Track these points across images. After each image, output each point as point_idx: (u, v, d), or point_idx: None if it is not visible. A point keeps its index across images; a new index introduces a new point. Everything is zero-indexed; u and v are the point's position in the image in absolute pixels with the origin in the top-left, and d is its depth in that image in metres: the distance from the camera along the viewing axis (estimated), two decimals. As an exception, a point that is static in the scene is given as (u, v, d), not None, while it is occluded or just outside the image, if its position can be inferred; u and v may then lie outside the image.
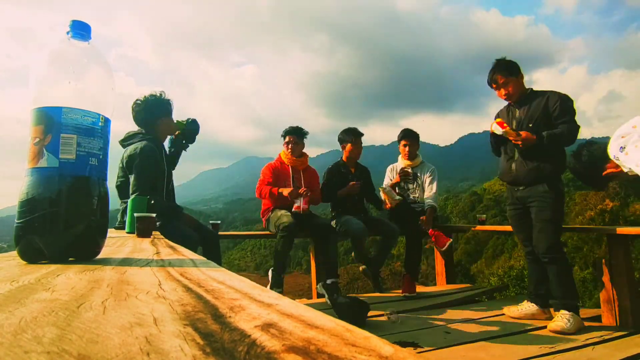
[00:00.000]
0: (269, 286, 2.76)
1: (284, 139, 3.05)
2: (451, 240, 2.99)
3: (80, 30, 0.64)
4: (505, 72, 2.26)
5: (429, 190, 3.21)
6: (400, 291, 2.94)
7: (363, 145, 3.25)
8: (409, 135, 3.32)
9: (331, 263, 2.67)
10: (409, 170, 3.26)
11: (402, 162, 3.36)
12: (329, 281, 2.58)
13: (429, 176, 3.25)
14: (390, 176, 3.39)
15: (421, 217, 3.01)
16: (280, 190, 2.77)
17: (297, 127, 3.07)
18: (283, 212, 2.74)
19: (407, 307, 2.52)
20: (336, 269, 2.67)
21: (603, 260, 2.25)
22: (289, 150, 2.99)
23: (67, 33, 0.64)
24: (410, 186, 3.29)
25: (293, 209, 2.71)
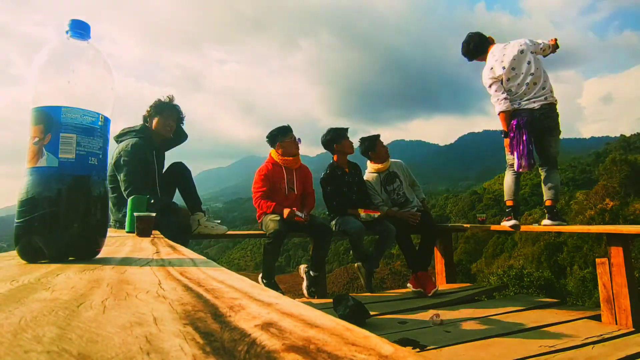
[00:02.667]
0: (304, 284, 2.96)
1: (286, 137, 2.91)
2: (434, 289, 2.81)
3: (80, 29, 0.64)
4: None
5: (410, 180, 3.29)
6: (426, 290, 2.81)
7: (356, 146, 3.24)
8: (378, 138, 3.27)
9: (320, 258, 2.94)
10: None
11: (375, 168, 3.24)
12: (312, 272, 2.93)
13: (405, 170, 3.28)
14: (375, 189, 3.25)
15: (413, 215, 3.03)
16: (281, 210, 2.73)
17: (288, 125, 3.00)
18: (271, 217, 2.71)
19: (406, 306, 2.52)
20: (323, 265, 2.97)
21: (603, 260, 2.25)
22: (296, 148, 2.91)
23: (67, 32, 0.64)
24: (395, 184, 3.20)
25: (296, 219, 2.72)
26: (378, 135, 3.29)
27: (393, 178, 3.22)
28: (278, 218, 2.66)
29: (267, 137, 3.00)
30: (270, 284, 2.75)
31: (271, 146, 2.99)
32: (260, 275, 2.80)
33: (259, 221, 2.94)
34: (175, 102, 2.43)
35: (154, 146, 2.26)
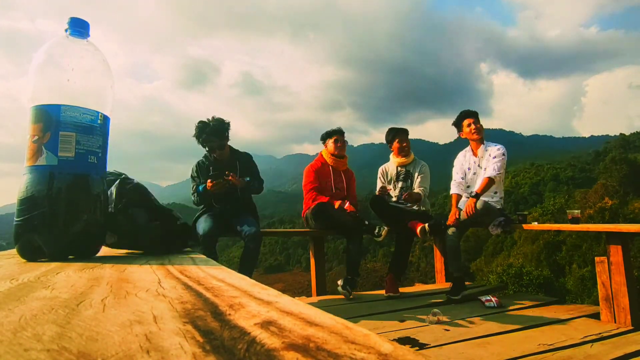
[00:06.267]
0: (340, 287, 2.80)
1: (330, 138, 3.07)
2: (421, 226, 2.79)
3: (79, 27, 0.64)
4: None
5: (419, 180, 3.14)
6: (384, 291, 2.85)
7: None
8: (401, 132, 3.24)
9: (351, 261, 2.80)
10: (389, 187, 3.19)
11: (394, 161, 3.27)
12: (349, 277, 2.79)
13: (421, 173, 3.18)
14: (382, 178, 3.30)
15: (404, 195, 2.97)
16: (332, 202, 2.85)
17: (340, 128, 3.14)
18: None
19: (405, 305, 2.52)
20: (356, 267, 2.79)
21: (602, 258, 2.26)
22: (338, 149, 3.03)
23: (66, 30, 0.64)
24: (402, 184, 3.21)
25: (345, 207, 2.80)
26: (395, 132, 3.29)
27: (405, 178, 3.23)
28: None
29: (321, 137, 3.20)
30: (354, 282, 2.79)
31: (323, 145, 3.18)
32: (342, 280, 2.82)
33: (303, 217, 3.04)
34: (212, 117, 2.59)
35: (211, 161, 2.61)
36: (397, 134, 3.23)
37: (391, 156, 3.36)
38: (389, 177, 3.29)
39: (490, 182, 2.75)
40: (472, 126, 2.93)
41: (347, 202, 2.80)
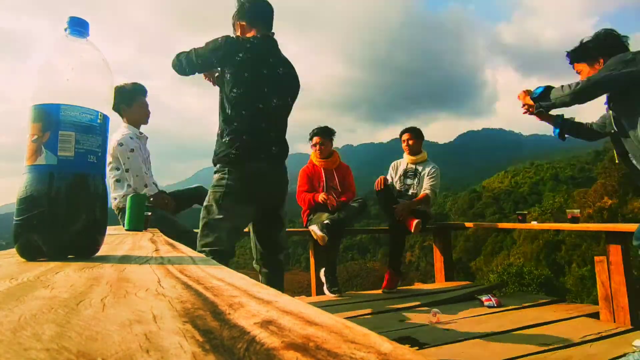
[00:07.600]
0: (324, 287, 2.87)
1: (311, 140, 3.08)
2: (417, 220, 2.88)
3: (79, 26, 0.64)
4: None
5: (427, 180, 3.16)
6: (383, 288, 2.92)
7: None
8: (410, 130, 3.32)
9: (328, 257, 2.90)
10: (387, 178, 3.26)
11: (406, 158, 3.34)
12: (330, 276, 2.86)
13: (430, 172, 3.19)
14: (392, 173, 3.38)
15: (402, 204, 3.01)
16: (314, 197, 2.93)
17: (325, 127, 3.10)
18: (326, 214, 2.85)
19: (405, 305, 2.53)
20: (331, 265, 2.88)
21: (601, 258, 2.26)
22: (318, 152, 3.04)
23: (65, 30, 0.64)
24: (410, 181, 3.25)
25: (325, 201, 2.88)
26: (402, 132, 3.38)
27: (412, 176, 3.26)
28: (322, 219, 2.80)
29: (309, 137, 3.20)
30: (334, 279, 2.87)
31: None
32: (323, 269, 2.91)
33: (304, 217, 3.08)
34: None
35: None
36: (405, 132, 3.34)
37: (404, 154, 3.43)
38: (398, 173, 3.34)
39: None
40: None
41: (325, 195, 2.90)
